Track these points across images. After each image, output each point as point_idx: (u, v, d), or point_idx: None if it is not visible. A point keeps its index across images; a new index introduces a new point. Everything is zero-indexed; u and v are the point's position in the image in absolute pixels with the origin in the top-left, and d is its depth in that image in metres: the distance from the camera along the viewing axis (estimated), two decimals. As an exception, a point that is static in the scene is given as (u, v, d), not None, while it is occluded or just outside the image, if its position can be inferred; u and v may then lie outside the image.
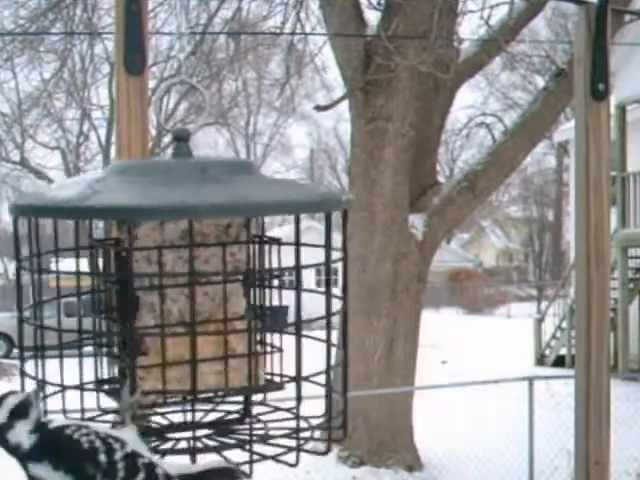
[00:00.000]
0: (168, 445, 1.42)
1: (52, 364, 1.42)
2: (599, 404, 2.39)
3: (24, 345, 1.41)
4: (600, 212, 2.39)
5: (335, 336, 1.50)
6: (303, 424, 1.40)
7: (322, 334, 1.44)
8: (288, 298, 1.53)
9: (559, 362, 16.50)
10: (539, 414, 8.41)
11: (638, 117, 15.41)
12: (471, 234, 50.24)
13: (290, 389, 1.45)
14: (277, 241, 1.47)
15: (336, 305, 1.44)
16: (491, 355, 17.81)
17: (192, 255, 1.30)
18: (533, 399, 8.14)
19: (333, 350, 1.44)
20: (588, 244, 2.39)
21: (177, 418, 1.48)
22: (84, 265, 1.45)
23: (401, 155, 9.30)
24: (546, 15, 26.41)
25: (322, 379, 1.42)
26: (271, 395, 1.48)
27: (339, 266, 1.44)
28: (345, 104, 10.20)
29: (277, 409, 1.47)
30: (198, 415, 1.49)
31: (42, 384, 1.38)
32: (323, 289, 1.43)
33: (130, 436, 1.28)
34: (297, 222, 1.33)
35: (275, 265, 1.44)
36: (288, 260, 1.43)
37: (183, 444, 1.41)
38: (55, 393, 1.41)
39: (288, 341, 1.48)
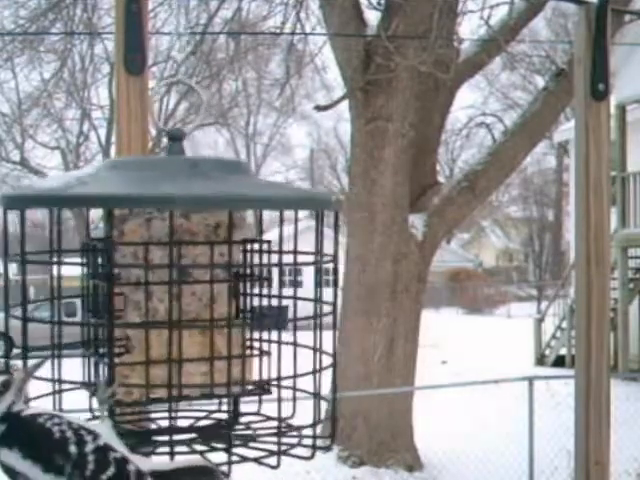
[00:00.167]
0: (151, 447, 1.41)
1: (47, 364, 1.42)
2: (599, 404, 2.39)
3: (17, 345, 1.40)
4: (600, 212, 2.39)
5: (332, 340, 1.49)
6: (285, 428, 1.40)
7: (322, 335, 1.43)
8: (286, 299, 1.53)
9: (559, 362, 16.50)
10: (539, 414, 8.41)
11: (638, 117, 15.41)
12: (471, 234, 50.25)
13: (282, 392, 1.44)
14: (267, 242, 1.46)
15: (327, 307, 1.43)
16: (491, 355, 17.82)
17: (172, 249, 1.29)
18: (533, 399, 8.14)
19: (326, 354, 1.43)
20: (588, 244, 2.39)
21: (163, 420, 1.47)
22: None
23: (401, 155, 9.30)
24: (546, 15, 26.42)
25: (317, 383, 1.42)
26: (263, 398, 1.47)
27: (339, 267, 1.44)
28: (345, 104, 10.20)
29: (257, 413, 1.46)
30: (184, 419, 1.48)
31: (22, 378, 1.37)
32: (320, 290, 1.43)
33: (104, 430, 1.27)
34: (281, 219, 1.33)
35: (268, 267, 1.44)
36: (284, 261, 1.43)
37: (166, 446, 1.40)
38: (51, 393, 1.41)
39: (283, 343, 1.48)
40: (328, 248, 1.42)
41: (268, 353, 1.42)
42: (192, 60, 13.72)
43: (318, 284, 1.42)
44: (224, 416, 1.48)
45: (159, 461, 1.33)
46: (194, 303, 1.36)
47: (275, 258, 1.42)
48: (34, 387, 1.38)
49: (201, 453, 1.36)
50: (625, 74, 14.83)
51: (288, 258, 1.42)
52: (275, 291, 1.47)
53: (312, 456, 1.42)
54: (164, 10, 11.63)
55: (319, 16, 10.46)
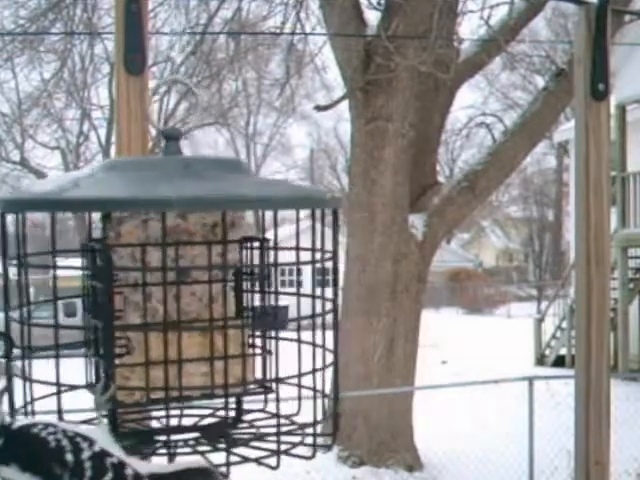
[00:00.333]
0: (152, 448, 1.41)
1: (41, 364, 1.42)
2: (599, 404, 2.39)
3: (17, 345, 1.40)
4: (600, 212, 2.39)
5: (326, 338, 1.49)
6: (285, 427, 1.39)
7: (320, 335, 1.43)
8: (287, 298, 1.52)
9: (559, 362, 16.49)
10: (539, 414, 8.40)
11: (638, 117, 15.40)
12: (471, 234, 50.23)
13: (284, 391, 1.44)
14: (266, 241, 1.45)
15: (329, 305, 1.43)
16: (491, 355, 17.82)
17: (165, 251, 1.29)
18: (533, 399, 8.14)
19: (327, 352, 1.43)
20: (588, 244, 2.40)
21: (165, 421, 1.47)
22: (77, 264, 1.44)
23: (401, 155, 9.30)
24: (546, 15, 26.41)
25: (321, 381, 1.42)
26: (260, 398, 1.47)
27: (339, 267, 1.44)
28: (345, 104, 10.20)
29: (262, 410, 1.46)
30: (187, 419, 1.48)
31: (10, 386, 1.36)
32: (319, 289, 1.43)
33: (100, 435, 1.26)
34: (275, 219, 1.33)
35: (267, 266, 1.43)
36: (285, 260, 1.42)
37: (168, 445, 1.40)
38: (51, 395, 1.41)
39: (284, 343, 1.47)
40: (328, 247, 1.42)
41: (269, 352, 1.42)
42: (192, 60, 13.72)
43: (319, 282, 1.41)
44: (228, 415, 1.47)
45: (157, 463, 1.32)
46: (194, 303, 1.36)
47: (274, 257, 1.42)
48: (37, 387, 1.38)
49: (202, 453, 1.36)
50: (625, 74, 14.83)
51: (288, 257, 1.41)
52: (274, 290, 1.46)
53: (313, 455, 1.41)
54: (164, 10, 11.64)
55: (319, 16, 10.46)
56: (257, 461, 1.35)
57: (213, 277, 1.36)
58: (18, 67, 16.26)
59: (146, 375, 1.33)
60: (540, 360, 17.26)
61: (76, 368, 1.50)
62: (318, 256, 1.41)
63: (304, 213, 1.37)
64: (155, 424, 1.46)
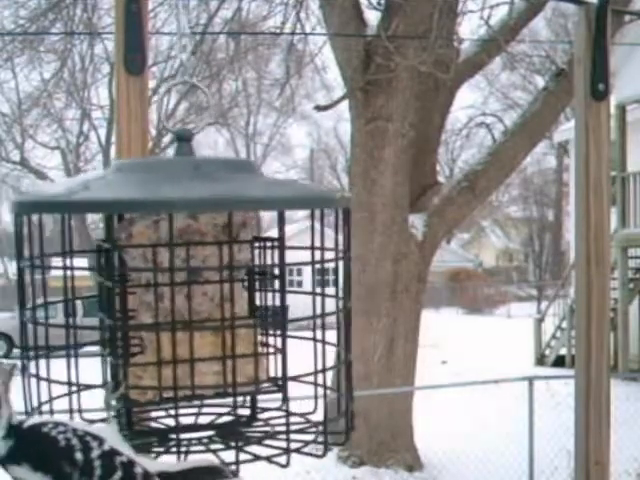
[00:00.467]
0: (166, 446, 1.41)
1: (55, 364, 1.42)
2: (599, 404, 2.39)
3: (24, 345, 1.41)
4: (600, 212, 2.39)
5: (336, 337, 1.49)
6: (299, 425, 1.40)
7: (326, 335, 1.43)
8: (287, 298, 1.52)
9: (559, 362, 16.50)
10: (539, 414, 8.41)
11: (638, 117, 15.41)
12: (471, 234, 50.25)
13: (293, 390, 1.44)
14: (278, 240, 1.45)
15: (332, 305, 1.43)
16: (491, 355, 17.82)
17: (172, 251, 1.29)
18: (533, 399, 8.14)
19: (331, 351, 1.43)
20: (588, 244, 2.40)
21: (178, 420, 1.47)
22: (83, 264, 1.44)
23: (401, 155, 9.30)
24: (546, 15, 26.42)
25: (326, 380, 1.42)
26: (274, 397, 1.47)
27: (338, 266, 1.44)
28: (345, 104, 10.20)
29: (278, 409, 1.47)
30: (201, 417, 1.48)
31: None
32: (319, 289, 1.43)
33: (109, 434, 1.27)
34: (281, 219, 1.32)
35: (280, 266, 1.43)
36: (290, 259, 1.42)
37: (182, 444, 1.40)
38: (65, 395, 1.41)
39: (290, 343, 1.47)
40: (333, 247, 1.42)
41: (282, 351, 1.42)
42: (192, 60, 13.71)
43: (319, 282, 1.42)
44: (242, 414, 1.48)
45: (166, 462, 1.33)
46: (206, 303, 1.37)
47: (288, 255, 1.41)
48: (44, 387, 1.38)
49: (214, 452, 1.37)
50: (625, 74, 14.83)
51: (291, 256, 1.41)
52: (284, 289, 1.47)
53: (324, 454, 1.42)
54: (164, 10, 11.64)
55: (319, 16, 10.47)
56: (268, 459, 1.35)
57: (225, 277, 1.36)
58: (18, 67, 16.27)
59: (158, 374, 1.34)
60: (540, 360, 17.26)
61: (92, 367, 1.51)
62: (331, 255, 1.41)
63: (303, 213, 1.37)
64: (169, 423, 1.47)
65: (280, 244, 1.37)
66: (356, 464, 9.21)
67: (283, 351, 1.39)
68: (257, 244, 1.44)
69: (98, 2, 12.36)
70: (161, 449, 1.40)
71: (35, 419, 1.28)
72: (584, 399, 2.39)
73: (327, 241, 1.42)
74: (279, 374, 1.42)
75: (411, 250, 9.38)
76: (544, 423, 8.68)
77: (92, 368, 1.51)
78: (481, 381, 9.79)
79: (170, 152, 1.42)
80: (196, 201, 1.23)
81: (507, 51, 13.29)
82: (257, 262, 1.45)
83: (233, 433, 1.43)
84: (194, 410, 1.49)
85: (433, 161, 10.37)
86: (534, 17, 10.71)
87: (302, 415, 1.44)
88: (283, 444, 1.36)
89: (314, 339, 1.43)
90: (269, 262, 1.44)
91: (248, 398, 1.46)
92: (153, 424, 1.47)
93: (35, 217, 1.36)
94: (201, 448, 1.39)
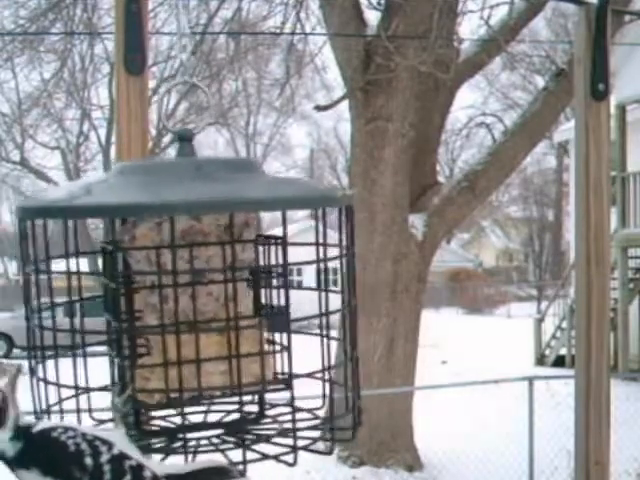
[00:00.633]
0: (176, 446, 1.42)
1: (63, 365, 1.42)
2: (599, 404, 2.39)
3: (22, 346, 1.41)
4: (600, 212, 2.39)
5: (338, 336, 1.50)
6: (307, 422, 1.40)
7: (331, 333, 1.44)
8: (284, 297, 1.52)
9: (559, 362, 16.50)
10: (539, 414, 8.40)
11: (638, 117, 15.41)
12: (471, 234, 50.24)
13: (300, 388, 1.45)
14: (282, 240, 1.45)
15: (334, 304, 1.43)
16: (491, 355, 17.82)
17: (175, 253, 1.29)
18: (533, 399, 8.14)
19: (333, 349, 1.44)
20: (588, 244, 2.40)
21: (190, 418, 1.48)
22: (83, 266, 1.45)
23: (401, 155, 9.30)
24: (546, 15, 26.42)
25: (332, 376, 1.42)
26: (283, 395, 1.47)
27: (338, 266, 1.44)
28: (345, 104, 10.20)
29: (273, 405, 1.47)
30: (209, 417, 1.49)
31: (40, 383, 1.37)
32: (321, 288, 1.43)
33: (118, 437, 1.27)
34: (283, 219, 1.32)
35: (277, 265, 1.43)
36: (289, 260, 1.42)
37: (190, 444, 1.41)
38: (72, 396, 1.41)
39: (295, 341, 1.48)
40: (333, 250, 1.42)
41: (287, 349, 1.42)
42: (192, 60, 13.71)
43: (346, 275, 1.42)
44: (250, 411, 1.48)
45: (173, 464, 1.33)
46: (211, 303, 1.37)
47: (289, 255, 1.42)
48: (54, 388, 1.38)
49: (223, 451, 1.37)
50: (625, 74, 14.83)
51: (296, 255, 1.41)
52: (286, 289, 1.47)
53: (332, 450, 1.42)
54: (164, 10, 11.64)
55: (319, 16, 10.47)
56: (276, 458, 1.35)
57: (229, 276, 1.36)
58: (18, 67, 16.26)
59: (165, 375, 1.34)
60: (540, 360, 17.26)
61: (99, 366, 1.51)
62: (335, 252, 1.41)
63: (304, 213, 1.37)
64: (178, 421, 1.47)
65: (283, 242, 1.37)
66: (356, 464, 9.21)
67: (289, 349, 1.39)
68: (260, 243, 1.44)
69: (98, 2, 12.36)
70: (170, 448, 1.40)
71: (45, 423, 1.28)
72: (584, 399, 2.39)
73: (329, 240, 1.42)
74: (285, 372, 1.42)
75: (411, 250, 9.37)
76: (544, 423, 8.68)
77: (99, 367, 1.51)
78: (481, 381, 9.79)
79: (170, 152, 1.42)
80: (197, 204, 1.23)
81: (507, 51, 13.28)
82: (261, 261, 1.45)
83: (241, 431, 1.43)
84: (202, 408, 1.49)
85: (433, 161, 10.37)
86: (534, 17, 10.70)
87: (309, 411, 1.44)
88: (290, 442, 1.36)
89: (321, 335, 1.43)
90: (273, 261, 1.44)
91: (256, 396, 1.46)
92: (161, 423, 1.47)
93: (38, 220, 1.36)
94: (209, 447, 1.39)
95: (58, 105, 23.96)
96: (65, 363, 1.41)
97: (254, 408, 1.47)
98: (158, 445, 1.41)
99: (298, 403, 1.43)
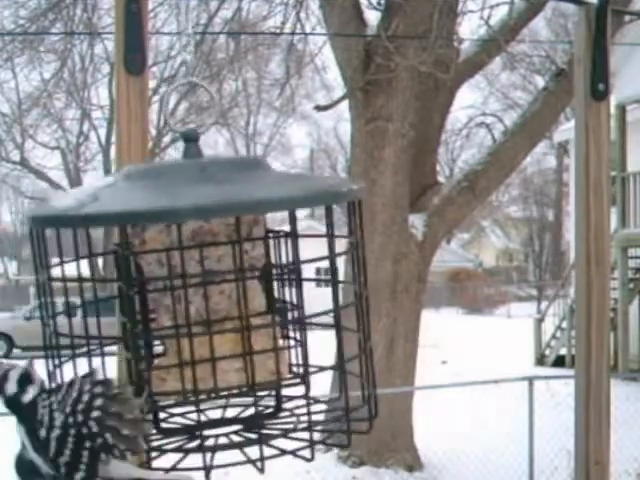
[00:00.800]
0: (193, 444, 1.42)
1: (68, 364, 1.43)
2: (599, 404, 2.39)
3: (26, 346, 1.42)
4: (600, 212, 2.39)
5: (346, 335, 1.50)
6: (318, 417, 1.41)
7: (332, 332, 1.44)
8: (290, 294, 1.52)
9: (559, 362, 16.50)
10: (539, 414, 8.41)
11: (638, 117, 15.41)
12: (471, 234, 50.27)
13: (315, 383, 1.45)
14: (294, 235, 1.44)
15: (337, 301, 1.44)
16: (491, 355, 17.83)
17: (183, 258, 1.30)
18: (533, 399, 8.14)
19: (349, 343, 1.45)
20: (588, 244, 2.39)
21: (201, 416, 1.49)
22: (84, 267, 1.45)
23: (401, 155, 9.30)
24: (546, 15, 26.43)
25: (346, 369, 1.43)
26: (298, 390, 1.48)
27: (339, 266, 1.44)
28: (345, 104, 10.20)
29: (290, 398, 1.47)
30: (227, 411, 1.49)
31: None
32: (326, 287, 1.43)
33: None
34: (293, 217, 1.32)
35: (287, 261, 1.44)
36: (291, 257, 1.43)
37: (210, 441, 1.41)
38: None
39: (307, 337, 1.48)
40: (339, 247, 1.42)
41: (302, 343, 1.43)
42: (192, 60, 13.70)
43: (357, 267, 1.42)
44: (267, 404, 1.49)
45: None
46: (223, 301, 1.38)
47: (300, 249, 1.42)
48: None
49: (240, 448, 1.37)
50: (625, 74, 14.84)
51: (305, 252, 1.41)
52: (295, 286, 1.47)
53: (349, 442, 1.44)
54: (164, 10, 11.65)
55: (319, 16, 10.47)
56: (293, 453, 1.36)
57: (240, 274, 1.37)
58: (18, 67, 16.28)
59: (181, 375, 1.35)
60: (540, 360, 17.27)
61: (110, 365, 1.52)
62: (341, 249, 1.42)
63: (305, 212, 1.37)
64: (196, 418, 1.48)
65: (294, 238, 1.37)
66: (356, 464, 9.21)
67: (304, 344, 1.39)
68: (270, 239, 1.45)
69: (98, 2, 12.37)
70: (187, 448, 1.41)
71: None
72: (584, 399, 2.39)
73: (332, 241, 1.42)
74: (300, 367, 1.43)
75: (411, 250, 9.38)
76: (544, 423, 8.69)
77: (110, 365, 1.51)
78: (481, 381, 9.79)
79: (170, 152, 1.43)
80: (204, 208, 1.23)
81: (507, 51, 13.28)
82: (272, 257, 1.45)
83: (258, 426, 1.44)
84: (219, 404, 1.50)
85: (433, 161, 10.37)
86: (534, 17, 10.71)
87: (326, 403, 1.45)
88: (307, 436, 1.37)
89: (336, 328, 1.44)
90: (283, 256, 1.44)
91: (272, 391, 1.47)
92: (179, 420, 1.48)
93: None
94: (228, 442, 1.40)
95: (58, 105, 23.97)
96: (69, 365, 1.41)
97: (271, 402, 1.48)
98: (176, 444, 1.42)
99: (306, 397, 1.43)
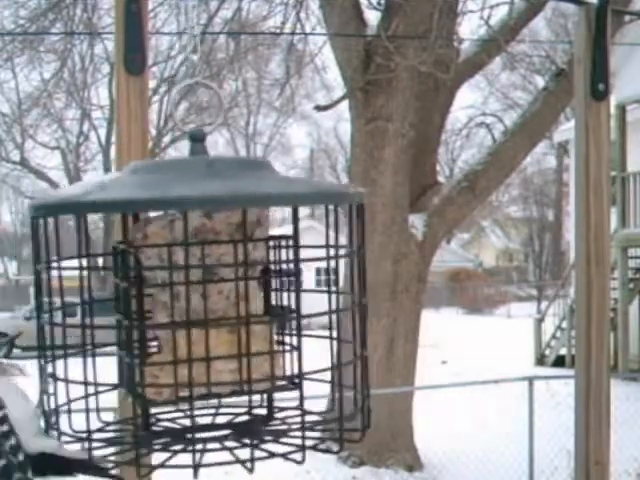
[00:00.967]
0: (184, 445, 1.42)
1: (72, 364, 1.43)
2: (599, 404, 2.39)
3: (26, 346, 1.42)
4: (600, 212, 2.39)
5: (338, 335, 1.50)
6: (313, 422, 1.41)
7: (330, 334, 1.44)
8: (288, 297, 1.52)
9: (559, 362, 16.50)
10: (539, 414, 8.41)
11: (638, 117, 15.41)
12: (471, 234, 50.28)
13: (309, 388, 1.45)
14: (292, 238, 1.45)
15: (334, 304, 1.44)
16: (491, 355, 17.83)
17: (188, 250, 1.30)
18: (533, 399, 8.14)
19: (344, 349, 1.44)
20: (588, 244, 2.39)
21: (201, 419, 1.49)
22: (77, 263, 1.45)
23: (401, 155, 9.30)
24: (546, 15, 26.45)
25: (341, 376, 1.43)
26: (291, 395, 1.48)
27: (340, 266, 1.44)
28: (345, 104, 10.20)
29: (281, 409, 1.47)
30: (218, 417, 1.49)
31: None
32: (325, 289, 1.43)
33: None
34: (295, 216, 1.33)
35: (287, 266, 1.44)
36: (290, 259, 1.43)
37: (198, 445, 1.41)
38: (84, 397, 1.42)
39: (303, 341, 1.48)
40: (340, 250, 1.42)
41: (297, 348, 1.43)
42: (192, 60, 13.71)
43: (357, 272, 1.42)
44: (260, 412, 1.49)
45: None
46: (221, 302, 1.37)
47: (300, 254, 1.42)
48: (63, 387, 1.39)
49: (230, 450, 1.37)
50: (625, 74, 14.84)
51: (305, 251, 1.41)
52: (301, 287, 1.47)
53: (341, 449, 1.43)
54: (164, 10, 11.65)
55: (319, 16, 10.47)
56: (283, 456, 1.36)
57: (240, 275, 1.37)
58: (18, 67, 16.29)
59: (174, 373, 1.35)
60: (540, 360, 17.27)
61: (105, 365, 1.52)
62: (342, 252, 1.42)
63: (305, 212, 1.37)
64: (188, 422, 1.48)
65: (295, 241, 1.37)
66: (356, 464, 9.21)
67: (299, 348, 1.39)
68: (272, 242, 1.45)
69: (98, 2, 12.37)
70: (177, 449, 1.40)
71: None
72: (584, 399, 2.39)
73: (332, 240, 1.43)
74: (295, 372, 1.43)
75: (411, 250, 9.38)
76: (544, 423, 8.69)
77: (104, 368, 1.51)
78: (481, 381, 9.79)
79: (170, 152, 1.43)
80: (210, 199, 1.24)
81: (507, 51, 13.28)
82: (272, 260, 1.45)
83: (250, 432, 1.44)
84: (211, 410, 1.50)
85: (433, 161, 10.37)
86: (534, 17, 10.71)
87: (319, 413, 1.44)
88: (298, 441, 1.37)
89: (330, 337, 1.44)
90: (283, 260, 1.44)
91: (265, 397, 1.47)
92: (170, 425, 1.48)
93: (49, 218, 1.36)
94: (216, 446, 1.39)
95: (58, 105, 23.99)
96: (71, 364, 1.41)
97: (263, 411, 1.47)
98: (164, 445, 1.42)
99: (306, 403, 1.43)
